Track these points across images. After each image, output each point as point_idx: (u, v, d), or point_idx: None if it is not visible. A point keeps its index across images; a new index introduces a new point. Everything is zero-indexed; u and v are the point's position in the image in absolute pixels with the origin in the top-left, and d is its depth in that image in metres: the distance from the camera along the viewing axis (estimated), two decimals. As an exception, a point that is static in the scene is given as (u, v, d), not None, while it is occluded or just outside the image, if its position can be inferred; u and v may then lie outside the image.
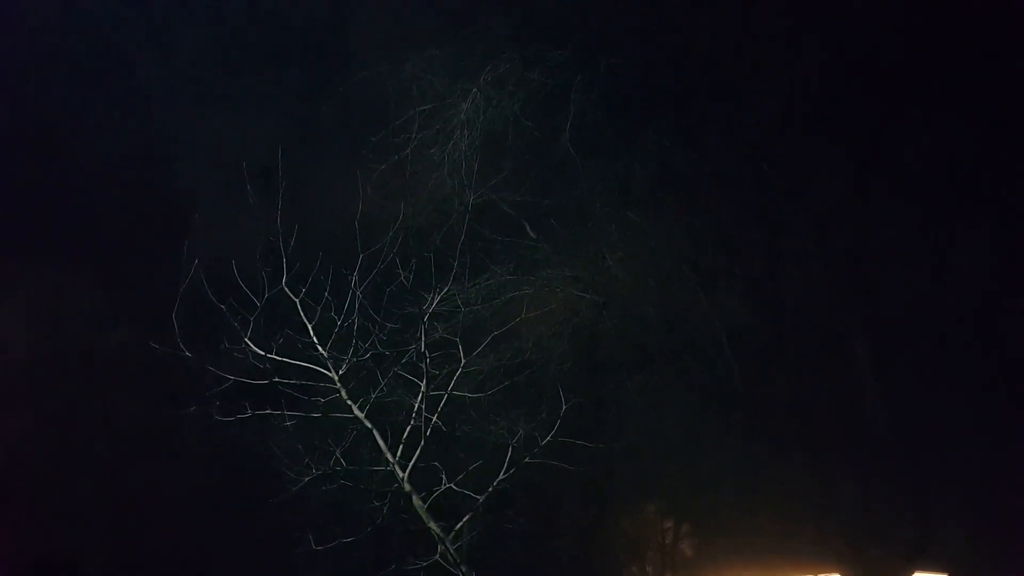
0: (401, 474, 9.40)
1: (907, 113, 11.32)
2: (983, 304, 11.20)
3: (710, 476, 11.76)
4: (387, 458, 9.45)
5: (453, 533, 9.42)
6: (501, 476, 9.64)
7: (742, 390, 11.77)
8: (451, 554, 9.29)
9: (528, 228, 12.09)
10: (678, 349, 11.99)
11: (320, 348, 9.33)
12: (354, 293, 9.47)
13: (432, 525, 9.42)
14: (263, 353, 9.13)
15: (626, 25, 11.57)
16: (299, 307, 9.30)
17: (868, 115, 11.37)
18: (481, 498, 9.54)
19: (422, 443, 9.50)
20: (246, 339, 9.05)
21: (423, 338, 9.69)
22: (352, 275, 9.49)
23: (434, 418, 9.62)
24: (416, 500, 9.45)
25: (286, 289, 9.29)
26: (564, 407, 9.89)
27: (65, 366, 10.59)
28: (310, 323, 9.32)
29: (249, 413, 9.11)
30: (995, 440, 10.83)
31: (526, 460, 9.77)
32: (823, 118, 11.42)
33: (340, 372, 9.39)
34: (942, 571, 11.38)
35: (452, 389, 9.85)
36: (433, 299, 9.85)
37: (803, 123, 11.57)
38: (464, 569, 9.31)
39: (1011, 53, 10.77)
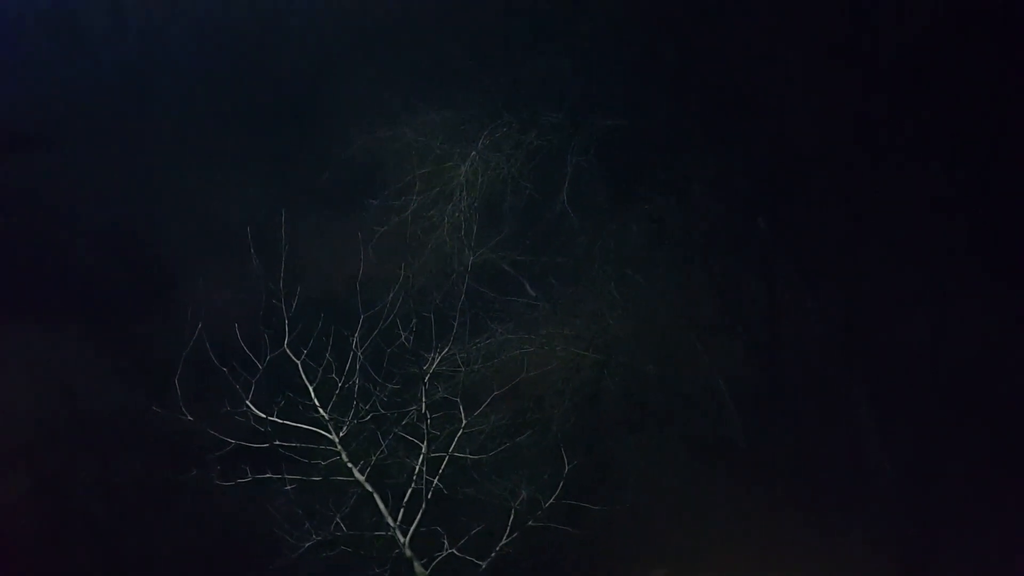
0: (403, 539, 9.14)
1: (902, 166, 11.42)
2: (982, 355, 11.11)
3: (715, 534, 11.46)
4: (388, 522, 9.20)
5: (456, 600, 9.13)
6: (504, 540, 9.38)
7: (744, 445, 11.60)
8: (454, 622, 8.97)
9: (528, 287, 12.11)
10: (679, 406, 11.86)
11: (321, 410, 9.18)
12: (355, 354, 9.35)
13: (434, 592, 9.15)
14: (264, 416, 8.97)
15: (619, 86, 11.76)
16: (300, 369, 9.18)
17: (862, 168, 11.47)
18: (484, 563, 9.29)
19: (423, 507, 9.27)
20: (247, 402, 8.91)
21: (424, 399, 9.55)
22: (353, 336, 9.38)
23: (435, 480, 9.40)
24: (418, 567, 9.19)
25: (288, 351, 9.20)
26: (567, 468, 9.68)
27: (64, 429, 10.45)
28: (311, 385, 9.19)
29: (249, 477, 8.90)
30: (997, 492, 10.61)
31: (529, 523, 9.54)
32: (817, 172, 11.53)
33: (341, 434, 9.22)
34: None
35: (453, 450, 9.66)
36: (434, 359, 9.75)
37: (797, 178, 11.67)
38: (467, 637, 8.97)
39: (1006, 107, 10.91)
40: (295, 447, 9.12)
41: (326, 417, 9.18)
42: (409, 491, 9.40)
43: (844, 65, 11.21)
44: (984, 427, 10.90)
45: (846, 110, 11.28)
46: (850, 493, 11.29)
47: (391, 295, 9.80)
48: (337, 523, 9.06)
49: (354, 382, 9.32)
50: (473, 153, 11.77)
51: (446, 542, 9.29)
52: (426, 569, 9.17)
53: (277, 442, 9.01)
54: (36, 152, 11.89)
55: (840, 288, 11.69)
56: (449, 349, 9.97)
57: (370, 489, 9.22)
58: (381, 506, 9.20)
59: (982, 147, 11.06)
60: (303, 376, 9.19)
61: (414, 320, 9.81)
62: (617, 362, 11.74)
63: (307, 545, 9.01)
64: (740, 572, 11.13)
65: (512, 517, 9.46)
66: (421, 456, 9.45)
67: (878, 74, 11.21)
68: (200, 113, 12.49)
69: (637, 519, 11.32)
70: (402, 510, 9.27)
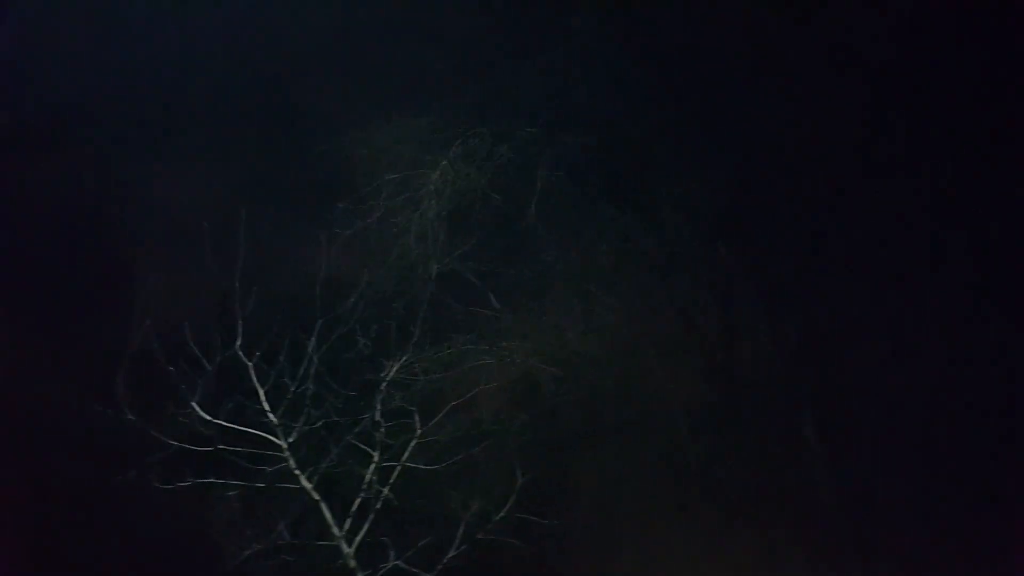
0: (347, 549, 8.92)
1: (863, 198, 11.55)
2: (932, 383, 11.25)
3: (664, 553, 11.44)
4: (334, 532, 8.96)
5: (399, 613, 8.94)
6: (452, 553, 9.20)
7: (697, 465, 11.61)
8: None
9: (492, 298, 12.01)
10: (635, 423, 11.84)
11: (271, 414, 8.95)
12: (311, 358, 9.13)
13: (378, 605, 8.95)
14: (209, 418, 8.69)
15: (594, 104, 11.77)
16: (252, 371, 8.93)
17: (824, 198, 11.59)
18: None
19: (371, 516, 9.06)
20: (193, 403, 8.63)
21: (379, 406, 9.37)
22: (310, 340, 9.16)
23: (385, 490, 9.21)
24: None
25: (239, 352, 8.94)
26: (520, 482, 9.56)
27: (-1, 424, 9.97)
28: (262, 388, 8.95)
29: (190, 481, 8.61)
30: (943, 516, 10.72)
31: (479, 536, 9.38)
32: (779, 200, 11.62)
33: (290, 440, 8.99)
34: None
35: (406, 460, 9.47)
36: (392, 366, 9.59)
37: (760, 205, 11.76)
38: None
39: (966, 135, 11.08)
40: (241, 452, 8.86)
41: (275, 422, 8.97)
42: (358, 500, 9.21)
43: (811, 93, 11.33)
44: (931, 454, 11.03)
45: (811, 140, 11.40)
46: (798, 516, 11.33)
47: (352, 300, 9.62)
48: (280, 531, 8.82)
49: (308, 387, 9.12)
50: (444, 162, 11.68)
51: (392, 553, 9.13)
52: (370, 580, 8.99)
53: (222, 446, 8.75)
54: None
55: (795, 315, 11.82)
56: (408, 357, 9.86)
57: (317, 497, 9.03)
58: (327, 515, 9.00)
59: (939, 176, 11.24)
60: (254, 379, 8.94)
61: (374, 326, 9.65)
62: (576, 378, 11.70)
63: (247, 553, 8.80)
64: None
65: (462, 529, 9.30)
66: (372, 465, 9.27)
67: (845, 102, 11.34)
68: (166, 105, 12.17)
69: (589, 535, 11.26)
70: (349, 520, 9.07)
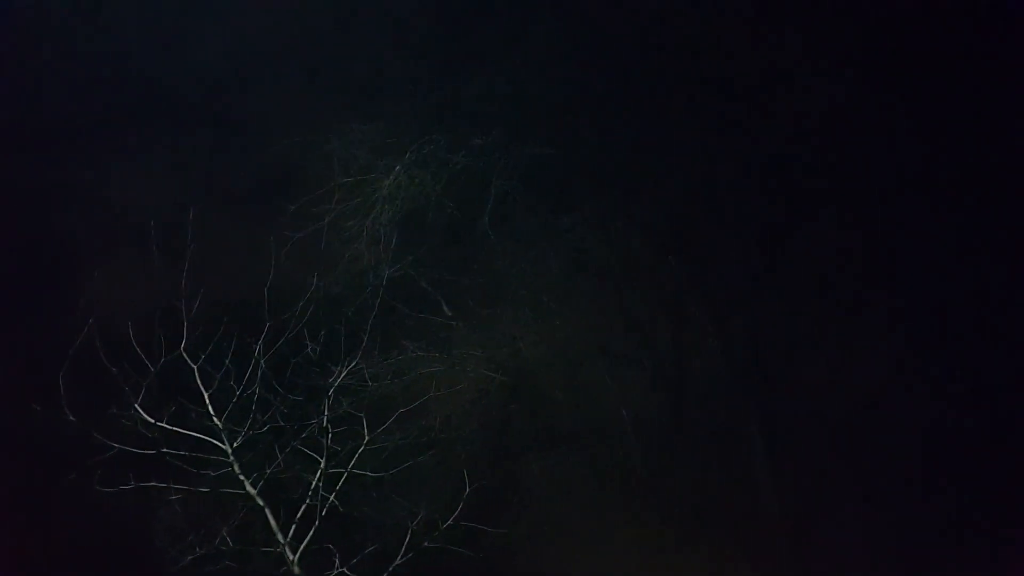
0: (292, 556, 8.86)
1: (812, 212, 11.89)
2: (877, 396, 11.64)
3: (612, 561, 11.59)
4: (278, 538, 8.89)
5: (343, 621, 8.89)
6: (397, 561, 9.21)
7: (645, 475, 11.78)
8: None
9: (444, 306, 12.04)
10: (584, 433, 11.98)
11: (215, 418, 8.85)
12: (257, 362, 9.07)
13: (322, 612, 8.89)
14: (152, 421, 8.56)
15: (550, 115, 11.87)
16: (197, 374, 8.84)
17: (774, 214, 11.93)
18: None
19: (317, 523, 9.02)
20: (136, 405, 8.49)
21: (326, 412, 9.33)
22: (257, 343, 9.10)
23: (331, 497, 9.17)
24: None
25: (184, 355, 8.83)
26: (468, 489, 9.61)
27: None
28: (207, 392, 8.85)
29: (132, 484, 8.46)
30: (887, 525, 11.05)
31: (425, 544, 9.39)
32: (729, 215, 11.93)
33: (234, 445, 8.90)
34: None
35: (353, 467, 9.45)
36: (340, 372, 9.56)
37: (710, 219, 12.06)
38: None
39: (915, 148, 11.43)
40: (184, 455, 8.74)
41: (220, 426, 8.86)
42: (303, 507, 9.14)
43: (766, 105, 11.65)
44: (877, 463, 11.39)
45: (760, 153, 11.75)
46: (742, 526, 11.58)
47: (301, 304, 9.58)
48: (223, 537, 8.71)
49: (254, 391, 9.04)
50: (398, 167, 11.71)
51: (337, 560, 9.07)
52: (314, 588, 8.92)
53: (165, 449, 8.61)
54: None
55: (744, 329, 12.09)
56: (357, 363, 9.83)
57: (261, 503, 8.93)
58: (272, 521, 8.91)
59: (891, 192, 11.63)
60: (199, 382, 8.84)
61: (323, 331, 9.61)
62: (526, 386, 11.80)
63: (189, 559, 8.66)
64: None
65: (408, 537, 9.30)
66: (319, 471, 9.22)
67: (799, 117, 11.67)
68: (115, 105, 11.95)
69: (537, 543, 11.34)
70: (294, 526, 9.00)
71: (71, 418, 8.33)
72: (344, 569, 9.01)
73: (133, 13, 12.39)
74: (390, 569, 9.19)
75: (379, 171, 11.78)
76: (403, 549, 9.26)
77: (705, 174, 11.90)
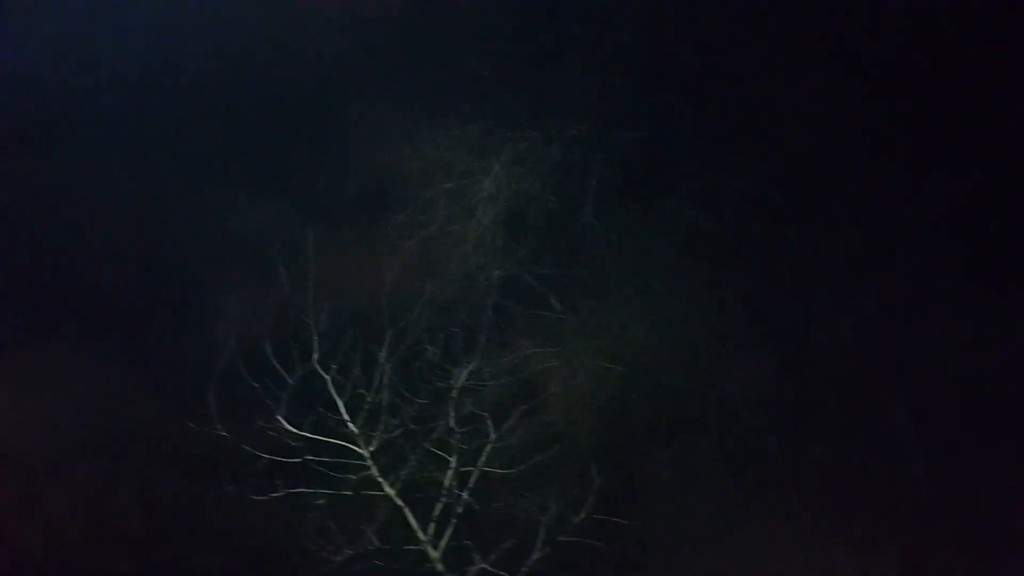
0: (434, 553, 9.56)
1: (931, 169, 11.62)
2: (1020, 363, 11.31)
3: (749, 549, 11.72)
4: (419, 537, 9.60)
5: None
6: (535, 556, 9.75)
7: (778, 459, 11.80)
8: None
9: (554, 301, 12.45)
10: (709, 419, 12.11)
11: (351, 424, 9.67)
12: (383, 368, 9.84)
13: (468, 607, 9.56)
14: (295, 431, 9.49)
15: (642, 97, 12.05)
16: (330, 384, 9.69)
17: (895, 174, 11.70)
18: None
19: (454, 521, 9.68)
20: (279, 416, 9.44)
21: (452, 413, 9.97)
22: (381, 351, 9.89)
23: (464, 494, 9.83)
24: None
25: (317, 366, 9.71)
26: (597, 482, 10.03)
27: (101, 446, 11.10)
28: (340, 400, 9.70)
29: (282, 492, 9.41)
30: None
31: (560, 539, 9.88)
32: (849, 179, 11.75)
33: (371, 448, 9.70)
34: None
35: (482, 465, 10.07)
36: (461, 374, 10.18)
37: (827, 185, 11.91)
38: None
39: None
40: (326, 462, 9.64)
41: (356, 431, 9.68)
42: (439, 506, 9.84)
43: (862, 67, 11.52)
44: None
45: (871, 112, 11.57)
46: (887, 509, 11.41)
47: (417, 310, 10.30)
48: (369, 537, 9.50)
49: (383, 397, 9.83)
50: (496, 167, 12.14)
51: (477, 556, 9.68)
52: (458, 584, 9.62)
53: (308, 456, 9.53)
54: (53, 175, 12.54)
55: (874, 298, 11.85)
56: (476, 364, 10.44)
57: (400, 503, 9.68)
58: (412, 520, 9.64)
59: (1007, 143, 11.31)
60: (332, 391, 9.71)
61: (441, 335, 10.29)
62: (645, 376, 11.96)
63: (340, 559, 9.46)
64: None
65: (543, 532, 9.82)
66: (450, 471, 9.90)
67: (894, 79, 11.46)
68: (217, 130, 12.99)
69: (670, 535, 11.56)
70: (432, 524, 9.71)
71: (223, 433, 9.37)
72: (485, 565, 9.63)
73: (233, 45, 13.46)
74: (528, 563, 9.76)
75: (478, 173, 12.26)
76: (539, 544, 9.80)
77: (818, 138, 11.83)
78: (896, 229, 11.84)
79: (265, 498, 9.46)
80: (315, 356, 9.75)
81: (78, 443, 11.05)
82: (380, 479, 9.71)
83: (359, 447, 9.72)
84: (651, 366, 11.99)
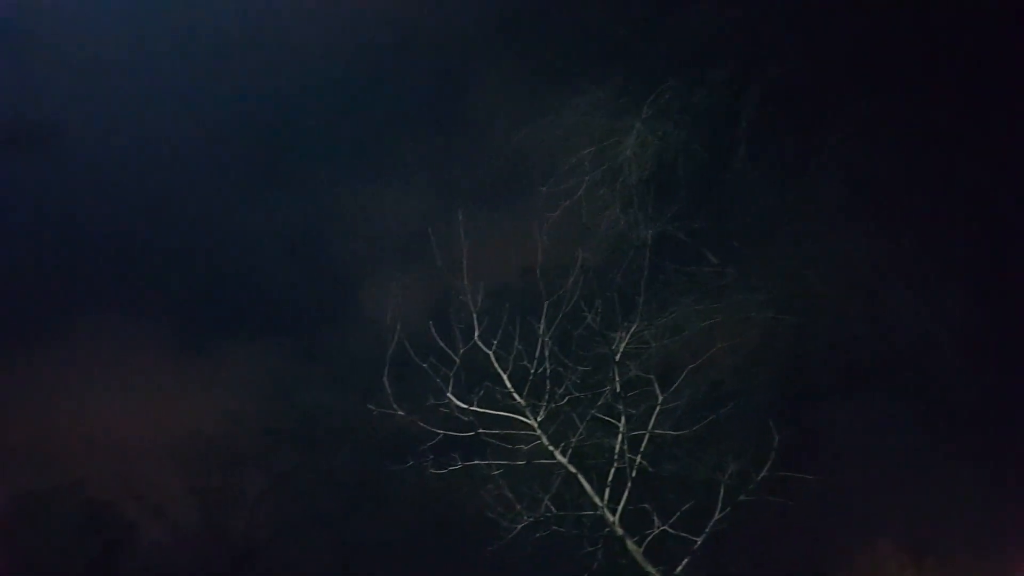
0: (612, 518, 10.15)
1: None
2: None
3: (944, 502, 11.61)
4: (595, 502, 10.25)
5: (674, 577, 9.85)
6: (717, 516, 10.19)
7: (970, 405, 11.56)
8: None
9: (708, 254, 12.61)
10: (893, 366, 12.05)
11: (517, 396, 10.44)
12: (542, 340, 10.52)
13: (651, 569, 10.10)
14: (465, 406, 10.43)
15: (787, 29, 11.79)
16: (493, 359, 10.52)
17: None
18: (699, 540, 10.10)
19: (629, 485, 10.29)
20: (448, 394, 10.39)
21: (616, 378, 10.56)
22: (539, 323, 10.62)
23: (638, 458, 10.42)
24: (631, 544, 10.15)
25: (479, 343, 10.53)
26: (776, 439, 10.32)
27: (290, 432, 12.82)
28: (504, 373, 10.51)
29: (459, 465, 10.35)
30: None
31: (741, 498, 10.31)
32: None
33: (539, 419, 10.46)
34: None
35: (653, 428, 10.58)
36: (621, 338, 10.69)
37: (1005, 106, 11.46)
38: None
39: None
40: (498, 434, 10.51)
41: (523, 403, 10.42)
42: (612, 470, 10.46)
43: None
44: None
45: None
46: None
47: (571, 279, 10.87)
48: (546, 504, 10.27)
49: (545, 367, 10.52)
50: (637, 124, 12.42)
51: (656, 519, 10.21)
52: (639, 547, 10.28)
53: (481, 430, 10.45)
54: (216, 181, 14.24)
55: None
56: (636, 327, 10.89)
57: (574, 470, 10.33)
58: (587, 486, 10.29)
59: None
60: (496, 365, 10.53)
61: (598, 301, 10.83)
62: (819, 323, 11.93)
63: (520, 526, 10.26)
64: (975, 546, 11.18)
65: (723, 493, 10.27)
66: (620, 435, 10.47)
67: None
68: (360, 127, 14.14)
69: (856, 489, 11.69)
70: (607, 489, 10.33)
71: (400, 413, 10.41)
72: (666, 527, 10.13)
73: (354, 33, 14.47)
74: (711, 524, 10.16)
75: (619, 133, 12.55)
76: (720, 504, 10.24)
77: (998, 46, 11.28)
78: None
79: (444, 471, 10.41)
80: (476, 333, 10.59)
81: (270, 433, 12.88)
82: (551, 447, 10.44)
83: (527, 418, 10.44)
84: (825, 313, 11.92)
